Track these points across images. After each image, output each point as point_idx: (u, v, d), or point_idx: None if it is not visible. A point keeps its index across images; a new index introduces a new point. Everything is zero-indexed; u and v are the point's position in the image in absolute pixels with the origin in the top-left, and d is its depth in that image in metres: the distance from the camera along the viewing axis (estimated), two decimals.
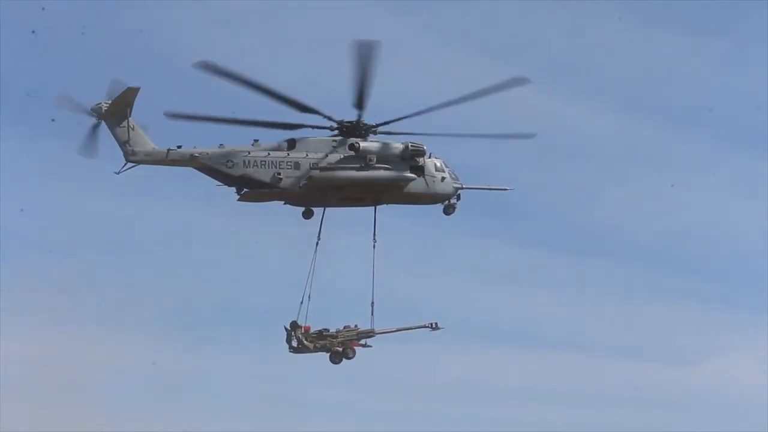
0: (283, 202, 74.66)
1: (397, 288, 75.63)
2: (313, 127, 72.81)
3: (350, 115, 73.40)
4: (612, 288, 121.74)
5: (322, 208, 74.87)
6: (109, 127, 71.28)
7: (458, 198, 76.19)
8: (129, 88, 69.52)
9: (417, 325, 78.75)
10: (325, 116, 72.53)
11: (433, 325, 78.58)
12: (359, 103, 70.79)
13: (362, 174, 73.18)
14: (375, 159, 73.52)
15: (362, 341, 76.43)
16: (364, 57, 66.90)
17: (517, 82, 70.93)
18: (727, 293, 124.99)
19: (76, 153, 70.78)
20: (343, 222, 77.11)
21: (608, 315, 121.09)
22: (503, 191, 77.83)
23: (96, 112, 71.26)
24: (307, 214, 75.29)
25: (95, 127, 71.19)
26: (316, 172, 72.93)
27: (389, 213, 75.80)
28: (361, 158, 73.43)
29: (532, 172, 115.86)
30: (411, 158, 74.46)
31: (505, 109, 77.34)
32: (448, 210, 76.30)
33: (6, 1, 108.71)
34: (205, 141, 72.98)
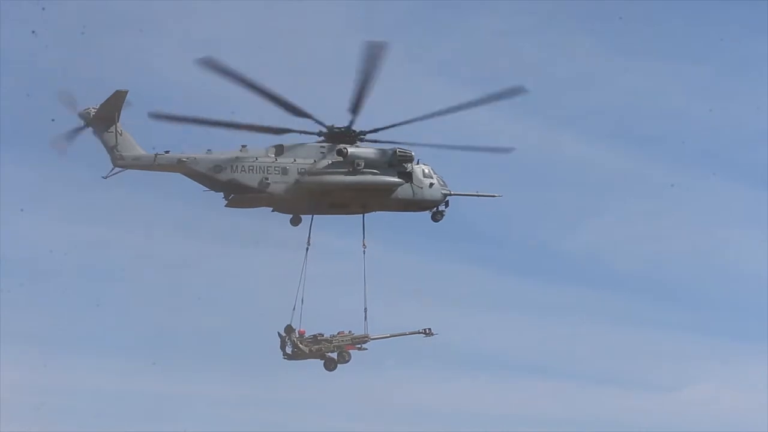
0: (271, 208, 74.61)
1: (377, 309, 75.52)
2: (300, 132, 72.79)
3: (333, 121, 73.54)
4: (590, 315, 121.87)
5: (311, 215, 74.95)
6: (96, 132, 71.07)
7: (446, 205, 76.09)
8: (117, 92, 69.36)
9: (411, 331, 78.40)
10: (317, 121, 72.53)
11: (427, 331, 78.34)
12: (355, 107, 70.65)
13: (350, 179, 73.08)
14: (363, 164, 73.45)
15: (358, 345, 76.04)
16: (372, 58, 66.88)
17: (514, 92, 71.10)
18: (705, 321, 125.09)
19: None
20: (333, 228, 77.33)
21: (586, 342, 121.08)
22: (492, 198, 77.76)
23: (83, 117, 71.01)
24: (295, 221, 75.16)
25: (78, 130, 70.91)
26: (304, 177, 72.83)
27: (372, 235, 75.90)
28: (349, 163, 73.34)
29: (510, 198, 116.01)
30: (399, 164, 74.42)
31: (484, 134, 77.29)
32: (437, 216, 76.17)
33: (6, 1, 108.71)
34: (192, 147, 73.17)
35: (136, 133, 71.66)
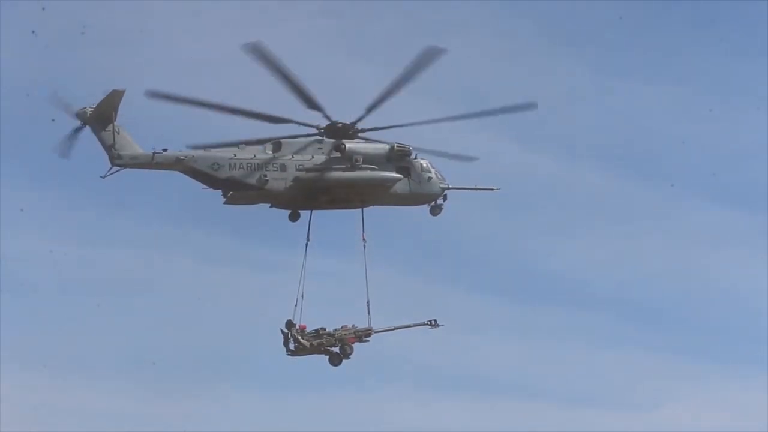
0: (269, 204, 74.58)
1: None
2: (299, 123, 72.49)
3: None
4: (566, 336, 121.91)
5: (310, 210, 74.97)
6: (94, 131, 70.77)
7: (445, 198, 76.15)
8: (114, 91, 69.13)
9: (416, 323, 77.73)
10: (325, 115, 72.20)
11: (433, 323, 77.86)
12: (375, 106, 70.61)
13: (348, 174, 73.06)
14: (361, 160, 73.46)
15: (361, 338, 75.73)
16: (423, 62, 67.24)
17: (526, 107, 72.16)
18: (682, 341, 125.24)
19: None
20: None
21: (565, 362, 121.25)
22: (490, 191, 77.83)
23: (81, 116, 70.76)
24: (294, 217, 75.13)
25: (77, 130, 70.73)
26: (302, 174, 72.79)
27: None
28: (347, 159, 73.31)
29: (489, 220, 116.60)
30: (397, 159, 74.47)
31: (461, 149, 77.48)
32: (435, 211, 76.21)
33: (6, 1, 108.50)
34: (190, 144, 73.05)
35: (134, 129, 71.88)
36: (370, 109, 71.34)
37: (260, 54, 66.88)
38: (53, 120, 70.69)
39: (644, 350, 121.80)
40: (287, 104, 70.62)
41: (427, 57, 67.55)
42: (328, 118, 72.71)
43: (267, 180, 72.35)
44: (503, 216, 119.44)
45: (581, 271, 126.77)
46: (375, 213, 75.70)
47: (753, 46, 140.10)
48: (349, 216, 75.48)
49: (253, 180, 72.34)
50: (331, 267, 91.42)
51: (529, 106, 72.54)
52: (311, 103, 70.53)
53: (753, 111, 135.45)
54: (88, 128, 70.96)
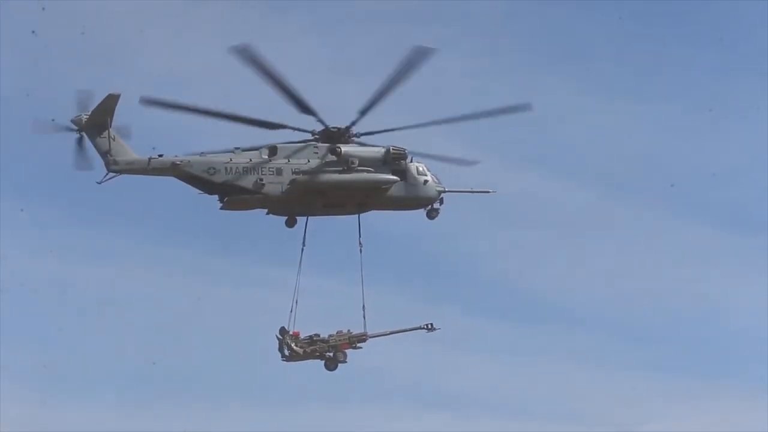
0: (266, 210, 74.42)
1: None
2: (294, 128, 72.62)
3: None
4: (550, 354, 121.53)
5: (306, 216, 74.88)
6: (89, 138, 70.54)
7: (441, 202, 76.10)
8: (110, 95, 68.96)
9: (412, 327, 77.89)
10: (319, 120, 72.40)
11: (429, 326, 77.80)
12: (368, 108, 70.78)
13: (345, 177, 72.98)
14: (357, 162, 73.42)
15: (354, 344, 75.68)
16: (412, 63, 67.33)
17: (520, 108, 72.33)
18: (664, 359, 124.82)
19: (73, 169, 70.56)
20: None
21: (547, 380, 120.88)
22: (486, 194, 77.96)
23: (76, 123, 70.69)
24: (290, 223, 75.00)
25: (79, 140, 70.71)
26: (298, 177, 72.69)
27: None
28: (344, 162, 73.23)
29: (471, 238, 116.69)
30: (393, 162, 74.41)
31: (455, 176, 77.81)
32: (432, 214, 76.16)
33: (6, 1, 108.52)
34: (185, 150, 73.08)
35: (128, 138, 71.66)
36: (364, 112, 71.46)
37: (249, 57, 66.93)
38: (53, 120, 70.54)
39: (627, 368, 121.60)
40: (281, 111, 71.07)
41: (416, 57, 67.57)
42: (322, 122, 72.88)
43: (263, 184, 72.24)
44: (486, 233, 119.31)
45: (565, 289, 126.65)
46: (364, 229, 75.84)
47: (740, 65, 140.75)
48: (346, 230, 75.68)
49: (249, 184, 72.22)
50: (326, 284, 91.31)
51: (525, 107, 72.73)
52: (304, 108, 70.63)
53: (741, 130, 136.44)
54: (76, 137, 70.86)
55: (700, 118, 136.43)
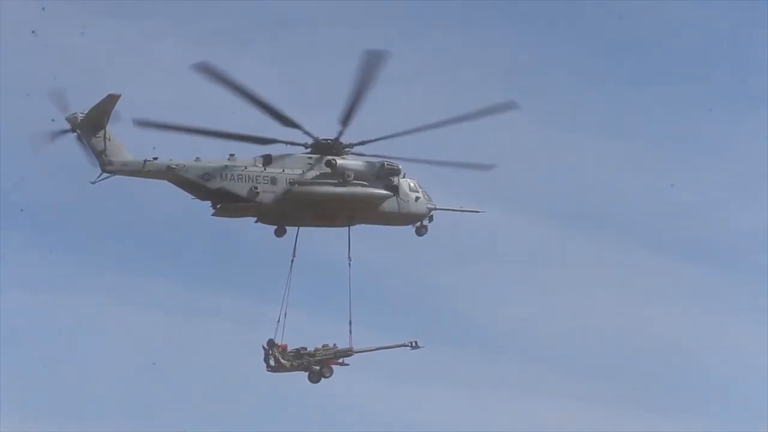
0: (255, 219, 74.08)
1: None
2: (287, 143, 72.58)
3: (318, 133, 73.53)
4: (506, 388, 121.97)
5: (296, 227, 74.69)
6: (84, 137, 69.80)
7: (431, 219, 76.39)
8: (110, 95, 68.25)
9: (396, 343, 77.91)
10: (305, 132, 72.40)
11: (413, 344, 77.90)
12: (346, 118, 70.54)
13: (341, 190, 72.94)
14: (353, 176, 73.46)
15: (340, 360, 75.71)
16: (370, 67, 66.90)
17: (506, 107, 72.07)
18: (623, 394, 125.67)
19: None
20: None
21: (510, 413, 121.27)
22: (475, 213, 78.37)
23: (71, 121, 69.94)
24: (280, 232, 74.77)
25: (63, 132, 69.93)
26: (293, 187, 72.49)
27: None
28: (339, 175, 73.18)
29: (430, 271, 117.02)
30: (386, 177, 74.49)
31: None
32: (421, 231, 76.37)
33: (6, 1, 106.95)
34: (181, 154, 72.39)
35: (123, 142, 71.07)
36: (344, 121, 71.21)
37: (211, 72, 66.54)
38: (53, 120, 69.68)
39: (586, 402, 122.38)
40: (270, 127, 71.13)
41: (372, 62, 66.91)
42: (309, 134, 72.83)
43: (258, 192, 71.93)
44: (446, 267, 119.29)
45: (531, 322, 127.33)
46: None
47: (704, 101, 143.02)
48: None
49: (243, 192, 71.87)
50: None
51: (510, 106, 72.25)
52: (286, 121, 70.55)
53: (702, 166, 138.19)
54: (74, 135, 70.09)
55: (660, 154, 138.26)
